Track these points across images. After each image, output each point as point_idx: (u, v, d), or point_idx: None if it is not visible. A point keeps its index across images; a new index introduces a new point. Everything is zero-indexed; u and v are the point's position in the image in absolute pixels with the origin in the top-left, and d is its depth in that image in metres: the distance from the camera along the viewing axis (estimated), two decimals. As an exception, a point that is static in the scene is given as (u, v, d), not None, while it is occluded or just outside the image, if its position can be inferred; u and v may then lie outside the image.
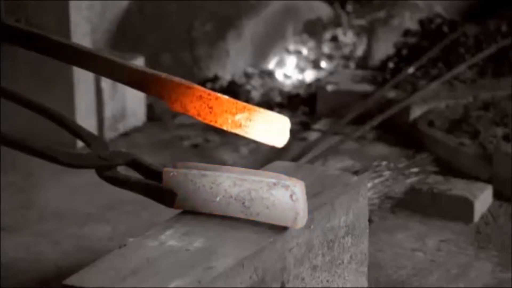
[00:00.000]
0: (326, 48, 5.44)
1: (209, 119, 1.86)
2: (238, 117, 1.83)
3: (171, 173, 1.89)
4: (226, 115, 1.84)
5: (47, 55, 2.02)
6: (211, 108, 1.86)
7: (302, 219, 1.82)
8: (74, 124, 2.03)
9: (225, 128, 1.86)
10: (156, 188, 1.89)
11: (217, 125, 1.86)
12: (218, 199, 1.86)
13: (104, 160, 1.91)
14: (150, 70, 1.95)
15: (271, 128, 1.83)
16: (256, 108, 1.84)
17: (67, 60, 2.03)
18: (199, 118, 1.87)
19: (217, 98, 1.85)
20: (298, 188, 1.81)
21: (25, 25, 4.31)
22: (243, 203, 1.84)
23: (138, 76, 1.94)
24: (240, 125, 1.84)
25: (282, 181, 1.81)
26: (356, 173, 3.12)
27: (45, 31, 4.43)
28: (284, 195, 1.80)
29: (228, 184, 1.84)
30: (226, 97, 1.86)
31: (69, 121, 2.03)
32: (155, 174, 1.91)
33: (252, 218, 1.85)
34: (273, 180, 1.81)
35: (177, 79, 1.91)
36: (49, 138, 4.00)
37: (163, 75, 1.92)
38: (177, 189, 1.89)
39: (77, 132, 2.00)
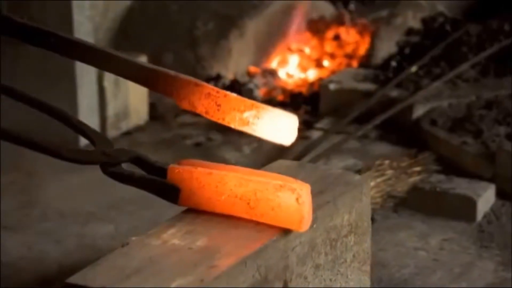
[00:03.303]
0: (329, 47, 5.44)
1: (217, 117, 1.85)
2: (246, 114, 1.83)
3: (176, 170, 1.89)
4: (234, 112, 1.83)
5: (53, 51, 2.02)
6: (219, 105, 1.85)
7: (307, 223, 1.83)
8: (78, 122, 2.03)
9: (232, 126, 1.86)
10: (160, 184, 1.89)
11: (225, 122, 1.85)
12: (223, 198, 1.86)
13: (109, 156, 1.91)
14: (159, 68, 1.94)
15: (279, 126, 1.82)
16: (264, 106, 1.84)
17: (74, 56, 2.02)
18: (207, 116, 1.87)
19: (225, 95, 1.85)
20: (304, 191, 1.81)
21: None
22: (248, 203, 1.84)
23: (146, 73, 1.93)
24: (248, 123, 1.83)
25: (289, 183, 1.81)
26: (358, 172, 3.12)
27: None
28: (290, 198, 1.80)
29: (234, 184, 1.84)
30: (234, 94, 1.86)
31: (73, 119, 2.03)
32: (160, 171, 1.91)
33: (256, 219, 1.85)
34: (280, 182, 1.81)
35: (185, 76, 1.91)
36: (50, 136, 4.00)
37: (172, 72, 1.92)
38: (181, 186, 1.89)
39: (81, 130, 2.00)
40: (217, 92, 1.85)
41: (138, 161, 1.94)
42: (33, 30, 2.00)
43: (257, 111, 1.82)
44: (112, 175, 1.91)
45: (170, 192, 1.88)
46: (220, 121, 1.85)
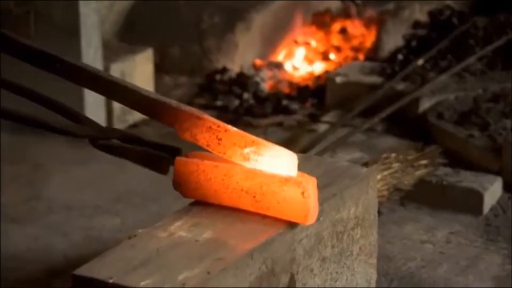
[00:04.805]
0: (335, 40, 5.43)
1: (218, 151, 1.87)
2: (247, 150, 1.84)
3: (184, 162, 1.90)
4: (235, 148, 1.85)
5: (58, 75, 2.03)
6: (220, 139, 1.86)
7: (313, 216, 1.83)
8: (80, 115, 2.03)
9: (234, 160, 1.87)
10: (150, 155, 1.89)
11: (226, 156, 1.87)
12: (229, 191, 1.87)
13: (101, 132, 1.92)
14: (161, 98, 1.95)
15: (279, 163, 1.83)
16: (265, 142, 1.85)
17: (78, 82, 2.04)
18: (209, 149, 1.88)
19: (226, 130, 1.86)
20: (310, 185, 1.81)
21: (34, 17, 4.30)
22: (254, 196, 1.84)
23: (149, 103, 1.94)
24: (248, 159, 1.85)
25: (295, 177, 1.81)
26: (365, 165, 3.12)
27: (54, 23, 4.42)
28: (295, 192, 1.80)
29: (240, 177, 1.84)
30: (234, 129, 1.87)
31: (76, 112, 2.03)
32: (153, 146, 1.91)
33: (262, 212, 1.85)
34: (286, 176, 1.81)
35: (187, 108, 1.91)
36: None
37: (174, 103, 1.92)
38: (189, 178, 1.90)
39: (85, 123, 2.01)
40: (218, 126, 1.86)
41: (133, 138, 1.94)
42: (38, 53, 2.00)
43: (258, 147, 1.83)
44: (101, 148, 1.91)
45: (161, 163, 1.88)
46: (221, 155, 1.86)
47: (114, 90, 1.98)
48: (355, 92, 4.50)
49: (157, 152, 1.89)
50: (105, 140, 1.91)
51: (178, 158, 1.91)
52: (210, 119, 1.87)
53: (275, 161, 1.82)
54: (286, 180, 1.81)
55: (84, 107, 4.13)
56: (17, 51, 2.02)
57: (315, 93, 4.79)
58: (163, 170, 1.89)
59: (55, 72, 2.01)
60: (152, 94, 1.97)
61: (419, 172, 3.51)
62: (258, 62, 5.12)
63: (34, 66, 2.02)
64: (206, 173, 1.88)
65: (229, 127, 1.86)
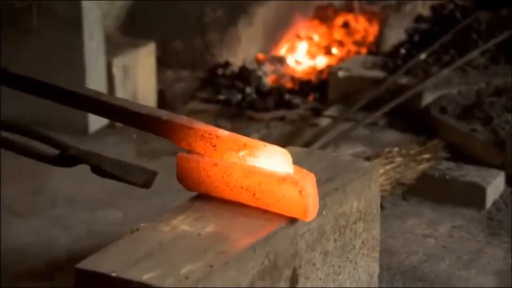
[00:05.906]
0: (338, 34, 5.43)
1: (215, 156, 1.88)
2: (242, 154, 1.86)
3: (185, 158, 1.91)
4: (230, 152, 1.87)
5: (57, 102, 2.07)
6: (214, 146, 1.88)
7: (312, 213, 1.83)
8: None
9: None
10: (125, 166, 1.92)
11: (224, 160, 1.89)
12: (229, 188, 1.88)
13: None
14: (153, 112, 1.95)
15: (274, 162, 1.84)
16: (256, 144, 1.85)
17: (75, 106, 2.07)
18: (206, 155, 1.90)
19: (218, 136, 1.87)
20: (308, 183, 1.81)
21: (36, 11, 4.30)
22: (254, 194, 1.85)
23: (142, 119, 1.96)
24: (245, 161, 1.86)
25: (292, 175, 1.81)
26: (368, 159, 3.12)
27: (57, 17, 4.40)
28: (293, 190, 1.81)
29: (239, 175, 1.85)
30: (226, 133, 1.88)
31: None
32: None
33: (264, 208, 1.86)
34: (283, 174, 1.81)
35: (178, 119, 1.92)
36: (58, 124, 4.00)
37: (164, 116, 1.93)
38: (190, 174, 1.90)
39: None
40: (209, 134, 1.88)
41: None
42: (37, 85, 2.06)
43: (250, 150, 1.84)
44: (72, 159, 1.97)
45: (135, 173, 1.90)
46: (219, 160, 1.87)
47: (109, 111, 2.01)
48: (357, 86, 4.49)
49: (133, 164, 1.91)
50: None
51: (180, 154, 1.93)
52: (201, 128, 1.89)
53: (270, 161, 1.84)
54: (283, 179, 1.81)
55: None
56: (18, 84, 2.08)
57: (318, 88, 4.79)
58: (137, 182, 1.92)
59: (53, 100, 2.06)
60: (145, 109, 1.98)
61: (422, 166, 3.51)
62: (261, 56, 5.12)
63: (35, 96, 2.08)
64: (207, 171, 1.89)
65: (220, 132, 1.88)
